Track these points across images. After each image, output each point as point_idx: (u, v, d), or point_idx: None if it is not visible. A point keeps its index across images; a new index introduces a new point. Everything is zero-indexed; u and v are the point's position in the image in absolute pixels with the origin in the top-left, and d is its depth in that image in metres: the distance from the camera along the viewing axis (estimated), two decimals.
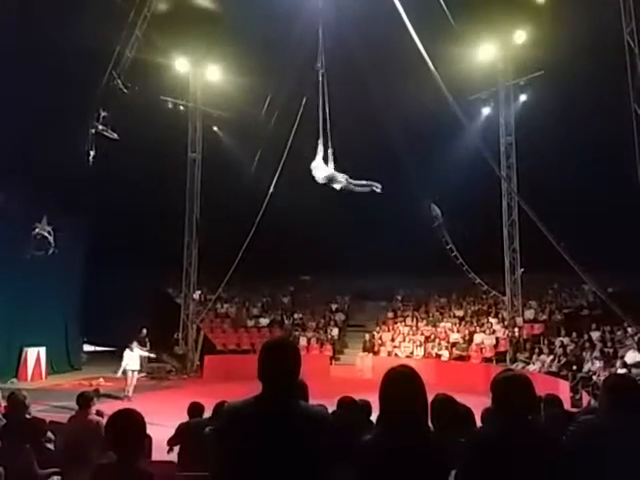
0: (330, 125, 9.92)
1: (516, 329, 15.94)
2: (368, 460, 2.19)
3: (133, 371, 12.49)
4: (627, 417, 2.43)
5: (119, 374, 12.57)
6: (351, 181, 9.83)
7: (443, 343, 17.01)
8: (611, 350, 12.81)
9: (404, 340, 17.93)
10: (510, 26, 15.04)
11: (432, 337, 17.56)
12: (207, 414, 5.20)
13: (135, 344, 12.88)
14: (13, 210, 14.27)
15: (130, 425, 2.57)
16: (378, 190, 9.98)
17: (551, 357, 13.81)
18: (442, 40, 12.67)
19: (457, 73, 13.65)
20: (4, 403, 6.17)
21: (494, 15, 14.15)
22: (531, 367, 13.86)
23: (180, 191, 17.88)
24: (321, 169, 9.69)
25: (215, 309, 20.15)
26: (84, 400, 5.20)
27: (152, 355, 14.78)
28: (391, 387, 2.24)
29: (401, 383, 2.23)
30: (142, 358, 13.64)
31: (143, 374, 13.86)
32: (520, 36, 15.13)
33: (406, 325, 18.83)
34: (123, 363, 12.48)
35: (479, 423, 3.68)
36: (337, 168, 9.88)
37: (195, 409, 5.34)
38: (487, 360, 15.73)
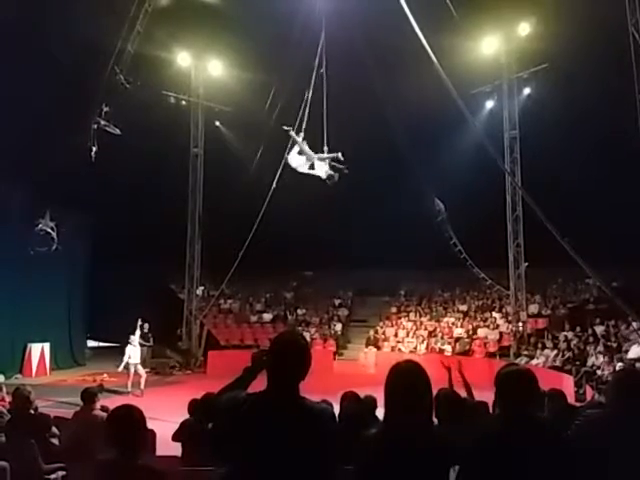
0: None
1: (520, 324, 15.92)
2: (371, 454, 2.19)
3: (135, 364, 12.54)
4: (634, 411, 2.41)
5: (121, 368, 12.64)
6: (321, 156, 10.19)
7: (446, 338, 17.00)
8: (615, 344, 12.78)
9: (407, 335, 17.93)
10: (514, 18, 14.92)
11: (436, 332, 17.55)
12: None
13: (132, 337, 12.90)
14: (16, 206, 14.31)
15: (129, 421, 2.57)
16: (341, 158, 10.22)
17: (555, 352, 13.78)
18: (445, 33, 12.58)
19: (460, 66, 13.55)
20: (9, 398, 6.20)
21: (497, 7, 14.04)
22: (535, 362, 13.83)
23: (183, 186, 17.88)
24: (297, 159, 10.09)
25: (218, 305, 20.19)
26: (88, 396, 5.21)
27: (148, 344, 14.91)
28: (397, 382, 2.23)
29: (407, 378, 2.22)
30: (145, 352, 13.63)
31: (147, 369, 13.92)
32: (524, 28, 15.00)
33: (409, 320, 18.83)
34: (125, 357, 12.55)
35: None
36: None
37: (195, 407, 5.29)
38: (491, 355, 15.71)
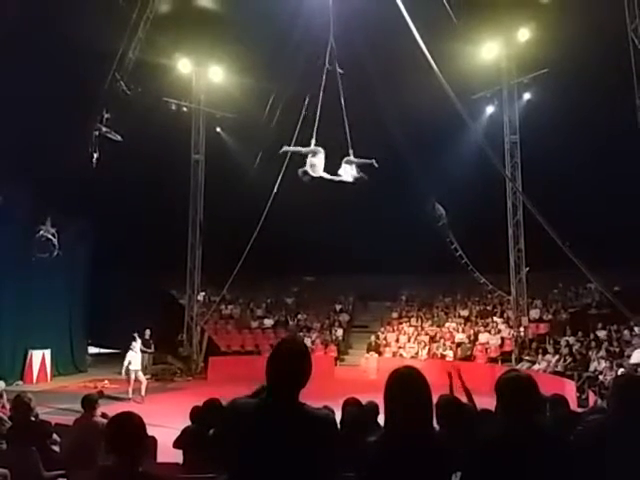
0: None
1: (521, 329, 15.88)
2: (372, 461, 2.18)
3: (135, 371, 12.51)
4: (635, 418, 2.40)
5: (123, 375, 12.63)
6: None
7: (448, 343, 16.96)
8: (617, 349, 12.74)
9: (409, 341, 17.89)
10: (513, 24, 14.98)
11: (437, 337, 17.50)
12: None
13: (134, 343, 12.90)
14: (17, 212, 14.32)
15: (129, 428, 2.56)
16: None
17: (557, 357, 13.74)
18: (445, 39, 12.63)
19: (461, 72, 13.60)
20: (9, 405, 6.19)
21: (497, 13, 14.10)
22: (536, 367, 13.79)
23: (184, 192, 17.90)
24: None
25: (219, 310, 20.16)
26: (88, 402, 5.21)
27: (150, 350, 14.96)
28: (396, 388, 2.22)
29: (406, 384, 2.21)
30: (146, 359, 13.57)
31: (148, 376, 13.88)
32: (524, 34, 15.06)
33: (411, 325, 18.78)
34: (125, 363, 12.54)
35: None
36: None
37: (197, 413, 5.27)
38: (492, 360, 15.67)
